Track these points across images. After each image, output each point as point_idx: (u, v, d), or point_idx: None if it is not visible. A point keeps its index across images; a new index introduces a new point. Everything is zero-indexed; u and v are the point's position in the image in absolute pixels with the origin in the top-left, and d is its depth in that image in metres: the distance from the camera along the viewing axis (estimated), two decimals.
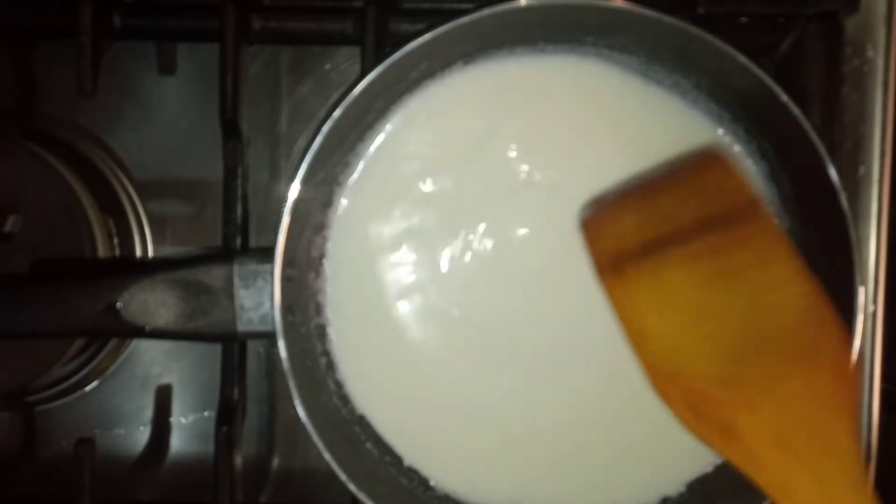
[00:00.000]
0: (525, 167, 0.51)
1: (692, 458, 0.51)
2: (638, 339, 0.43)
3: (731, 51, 0.46)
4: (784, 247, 0.43)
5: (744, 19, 0.53)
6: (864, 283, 0.50)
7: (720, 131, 0.51)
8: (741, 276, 0.42)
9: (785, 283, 0.42)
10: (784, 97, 0.46)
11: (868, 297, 0.51)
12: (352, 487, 0.47)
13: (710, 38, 0.46)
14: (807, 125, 0.46)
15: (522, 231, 0.51)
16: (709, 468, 0.51)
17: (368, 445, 0.52)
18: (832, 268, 0.48)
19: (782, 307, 0.41)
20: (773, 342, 0.41)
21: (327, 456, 0.47)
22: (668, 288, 0.43)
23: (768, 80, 0.46)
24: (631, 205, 0.47)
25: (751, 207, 0.44)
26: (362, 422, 0.52)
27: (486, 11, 0.46)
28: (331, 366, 0.51)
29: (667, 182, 0.48)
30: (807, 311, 0.41)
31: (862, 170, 0.52)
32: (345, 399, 0.52)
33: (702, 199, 0.45)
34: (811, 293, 0.41)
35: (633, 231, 0.45)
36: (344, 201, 0.51)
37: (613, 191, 0.49)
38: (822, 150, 0.46)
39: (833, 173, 0.46)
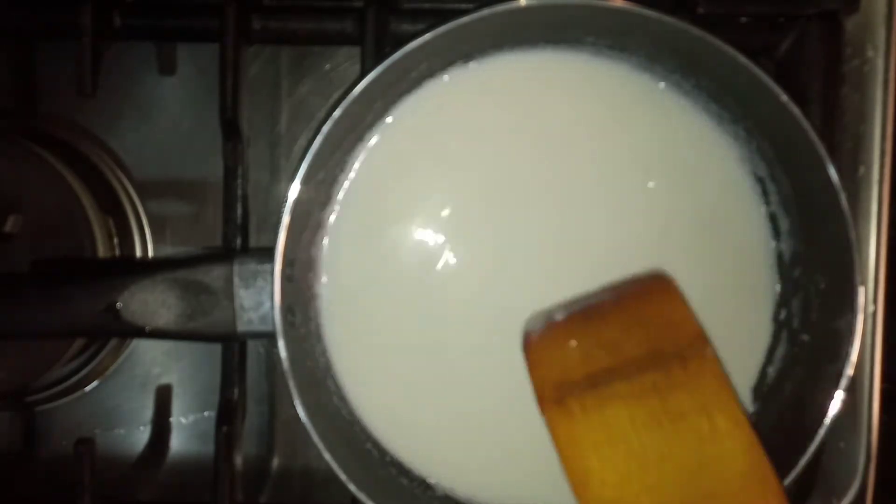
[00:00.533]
0: (528, 165, 0.51)
1: None
2: (579, 481, 0.42)
3: (732, 51, 0.46)
4: (726, 393, 0.42)
5: (744, 19, 0.53)
6: (865, 283, 0.50)
7: (720, 130, 0.51)
8: (684, 420, 0.41)
9: (726, 434, 0.41)
10: (784, 97, 0.46)
11: (868, 298, 0.51)
12: (352, 487, 0.47)
13: (709, 38, 0.46)
14: (806, 125, 0.46)
15: (526, 232, 0.51)
16: None
17: (368, 445, 0.52)
18: (832, 268, 0.49)
19: (723, 461, 0.41)
20: (714, 500, 0.41)
21: (327, 456, 0.47)
22: (612, 428, 0.41)
23: (768, 80, 0.46)
24: (576, 331, 0.45)
25: (695, 344, 0.43)
26: (362, 422, 0.52)
27: (486, 11, 0.46)
28: (330, 366, 0.51)
29: (612, 309, 0.46)
30: (748, 469, 0.41)
31: (862, 170, 0.51)
32: (345, 399, 0.52)
33: (647, 331, 0.44)
34: (752, 448, 0.41)
35: (577, 361, 0.43)
36: (344, 201, 0.51)
37: (559, 309, 0.48)
38: (822, 150, 0.46)
39: (833, 173, 0.46)
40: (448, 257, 0.51)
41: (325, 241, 0.51)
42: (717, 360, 0.42)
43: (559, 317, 0.47)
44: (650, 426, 0.41)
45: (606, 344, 0.44)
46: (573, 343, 0.44)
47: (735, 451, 0.41)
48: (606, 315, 0.46)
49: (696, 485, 0.41)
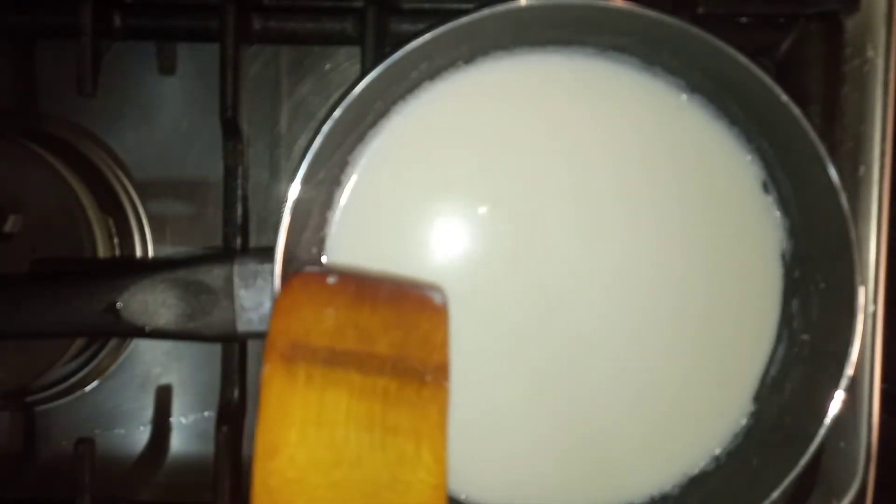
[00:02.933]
0: (530, 165, 0.51)
1: (692, 454, 0.52)
2: (268, 449, 0.40)
3: (731, 51, 0.46)
4: (442, 430, 0.41)
5: (744, 19, 0.53)
6: (865, 283, 0.49)
7: (719, 129, 0.51)
8: (395, 435, 0.40)
9: (424, 466, 0.41)
10: (784, 97, 0.46)
11: (868, 298, 0.51)
12: None
13: (709, 37, 0.46)
14: (807, 125, 0.46)
15: (529, 234, 0.51)
16: (710, 466, 0.52)
17: None
18: (832, 268, 0.48)
19: (410, 490, 0.40)
20: None
21: None
22: (325, 411, 0.40)
23: (768, 81, 0.46)
24: (340, 302, 0.44)
25: (439, 372, 0.42)
26: None
27: (486, 11, 0.46)
28: None
29: (384, 300, 0.45)
30: None
31: (862, 170, 0.51)
32: None
33: (404, 337, 0.43)
34: (440, 489, 0.40)
35: (326, 330, 0.42)
36: (344, 201, 0.51)
37: (336, 272, 0.47)
38: (822, 150, 0.46)
39: (833, 173, 0.46)
40: (451, 257, 0.51)
41: (327, 241, 0.51)
42: (447, 397, 0.41)
43: (331, 279, 0.46)
44: (361, 426, 0.40)
45: (362, 329, 0.42)
46: (330, 312, 0.43)
47: (425, 484, 0.40)
48: (376, 302, 0.44)
49: (375, 500, 0.40)
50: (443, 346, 0.43)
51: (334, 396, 0.40)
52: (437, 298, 0.47)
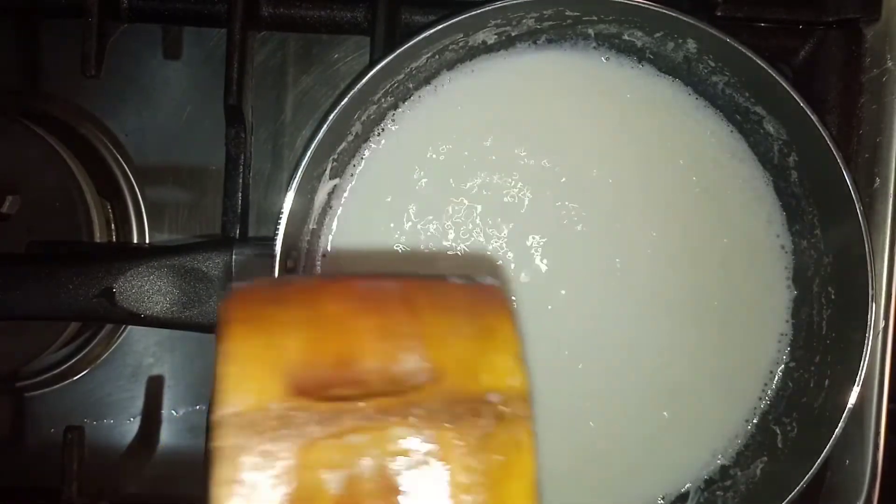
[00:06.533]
0: (532, 161, 0.50)
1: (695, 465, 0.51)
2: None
3: (749, 53, 0.45)
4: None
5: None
6: (877, 298, 0.49)
7: (730, 129, 0.50)
8: None
9: None
10: (802, 104, 0.45)
11: (879, 313, 0.50)
12: None
13: (728, 39, 0.45)
14: (825, 132, 0.45)
15: (540, 230, 0.51)
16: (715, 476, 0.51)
17: None
18: (845, 281, 0.48)
19: None
20: None
21: None
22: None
23: (786, 84, 0.45)
24: (305, 324, 0.30)
25: (512, 398, 0.29)
26: None
27: (498, 4, 0.45)
28: None
29: (394, 297, 0.31)
30: None
31: (877, 182, 0.51)
32: None
33: (444, 351, 0.30)
34: None
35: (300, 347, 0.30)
36: (346, 193, 0.50)
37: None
38: (841, 161, 0.45)
39: (850, 182, 0.45)
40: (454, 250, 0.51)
41: (330, 233, 0.50)
42: (532, 436, 0.29)
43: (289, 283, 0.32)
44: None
45: (357, 358, 0.29)
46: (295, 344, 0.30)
47: None
48: (386, 304, 0.31)
49: None
50: (511, 351, 0.30)
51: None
52: (487, 283, 0.33)
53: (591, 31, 0.49)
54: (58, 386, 0.58)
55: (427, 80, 0.50)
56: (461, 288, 0.33)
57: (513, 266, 0.51)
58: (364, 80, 0.45)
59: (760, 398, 0.51)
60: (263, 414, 0.28)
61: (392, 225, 0.50)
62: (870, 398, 0.50)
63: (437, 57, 0.49)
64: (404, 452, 0.28)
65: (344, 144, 0.49)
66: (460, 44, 0.49)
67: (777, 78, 0.45)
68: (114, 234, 0.56)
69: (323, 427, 0.28)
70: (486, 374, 0.29)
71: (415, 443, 0.28)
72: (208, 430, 0.30)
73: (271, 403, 0.28)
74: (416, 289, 0.32)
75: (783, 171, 0.50)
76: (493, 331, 0.31)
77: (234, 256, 0.47)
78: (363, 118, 0.49)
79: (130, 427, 0.59)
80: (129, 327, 0.58)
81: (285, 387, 0.28)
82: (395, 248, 0.50)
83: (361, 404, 0.28)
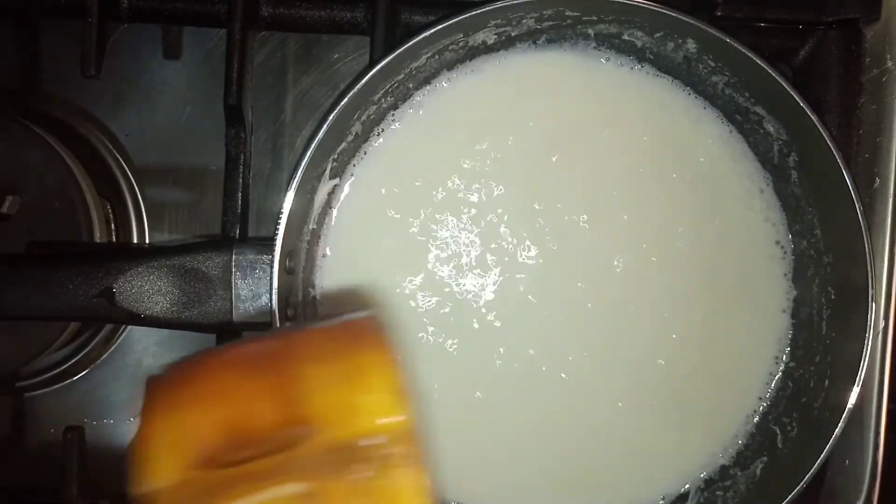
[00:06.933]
0: (532, 160, 0.50)
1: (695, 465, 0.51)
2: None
3: (749, 53, 0.45)
4: None
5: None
6: (877, 298, 0.49)
7: (730, 129, 0.50)
8: None
9: None
10: (802, 104, 0.45)
11: (878, 314, 0.50)
12: None
13: (728, 39, 0.45)
14: (825, 132, 0.45)
15: (541, 229, 0.51)
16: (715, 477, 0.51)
17: None
18: (845, 282, 0.48)
19: None
20: None
21: None
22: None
23: (786, 84, 0.45)
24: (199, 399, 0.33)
25: (397, 440, 0.30)
26: None
27: (498, 4, 0.45)
28: None
29: (265, 361, 0.34)
30: None
31: (877, 182, 0.51)
32: None
33: (328, 399, 0.32)
34: None
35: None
36: (346, 193, 0.50)
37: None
38: (841, 161, 0.45)
39: (850, 182, 0.45)
40: (453, 253, 0.51)
41: (330, 232, 0.50)
42: (422, 475, 0.30)
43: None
44: None
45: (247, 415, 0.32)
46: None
47: None
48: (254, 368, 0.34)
49: None
50: (384, 388, 0.31)
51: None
52: (359, 318, 0.35)
53: (590, 31, 0.49)
54: (58, 386, 0.58)
55: (427, 81, 0.51)
56: (334, 329, 0.36)
57: (513, 265, 0.51)
58: (364, 80, 0.45)
59: (760, 398, 0.51)
60: (173, 490, 0.32)
61: (392, 224, 0.50)
62: (870, 398, 0.50)
63: (436, 57, 0.49)
64: None
65: (344, 144, 0.49)
66: (460, 44, 0.49)
67: (777, 78, 0.45)
68: (114, 234, 0.56)
69: (223, 492, 0.31)
70: (360, 416, 0.31)
71: (300, 495, 0.30)
72: None
73: (178, 478, 0.32)
74: (296, 343, 0.35)
75: (783, 171, 0.50)
76: (362, 370, 0.33)
77: (234, 256, 0.47)
78: (363, 118, 0.49)
79: (130, 427, 0.58)
80: (129, 327, 0.57)
81: (188, 462, 0.32)
82: (395, 247, 0.50)
83: (252, 466, 0.31)
